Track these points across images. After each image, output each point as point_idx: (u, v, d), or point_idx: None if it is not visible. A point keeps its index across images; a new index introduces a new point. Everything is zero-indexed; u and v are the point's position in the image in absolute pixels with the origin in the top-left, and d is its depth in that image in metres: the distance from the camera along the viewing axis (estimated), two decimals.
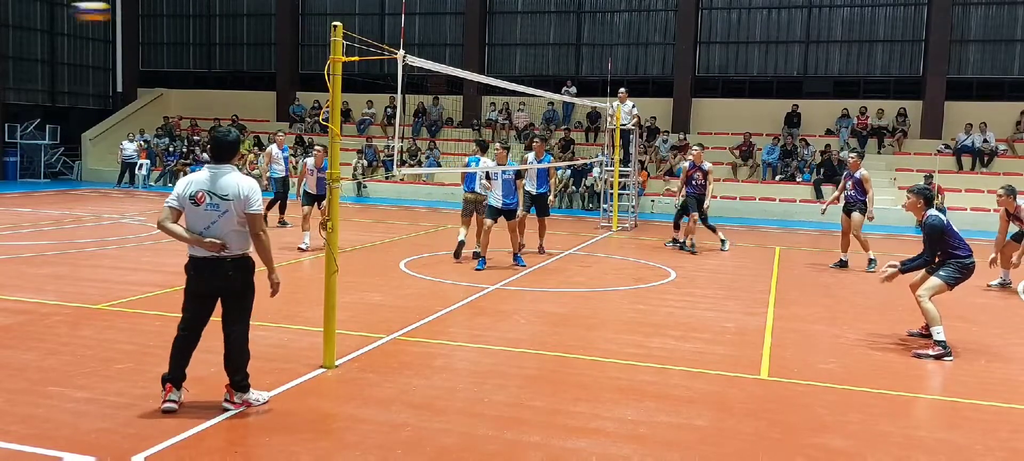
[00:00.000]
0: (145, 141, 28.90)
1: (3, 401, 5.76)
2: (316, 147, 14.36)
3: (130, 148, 27.47)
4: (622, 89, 19.67)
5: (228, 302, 5.61)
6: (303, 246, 13.46)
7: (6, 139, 28.79)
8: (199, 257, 5.51)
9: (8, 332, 7.70)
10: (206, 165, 5.64)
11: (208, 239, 5.41)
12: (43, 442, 5.03)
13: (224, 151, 5.60)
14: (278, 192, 16.69)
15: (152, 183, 27.74)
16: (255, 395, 5.70)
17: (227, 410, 5.54)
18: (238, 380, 5.60)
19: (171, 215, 5.54)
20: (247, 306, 5.66)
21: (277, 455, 5.01)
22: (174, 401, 5.55)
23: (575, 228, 19.00)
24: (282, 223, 16.39)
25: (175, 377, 5.58)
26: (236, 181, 5.49)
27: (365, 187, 26.43)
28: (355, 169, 26.26)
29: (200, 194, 5.48)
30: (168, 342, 5.70)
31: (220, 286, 5.54)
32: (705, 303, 10.31)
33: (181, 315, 5.67)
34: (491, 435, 5.45)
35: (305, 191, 14.23)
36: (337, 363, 6.81)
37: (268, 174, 16.88)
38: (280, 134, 18.07)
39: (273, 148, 17.03)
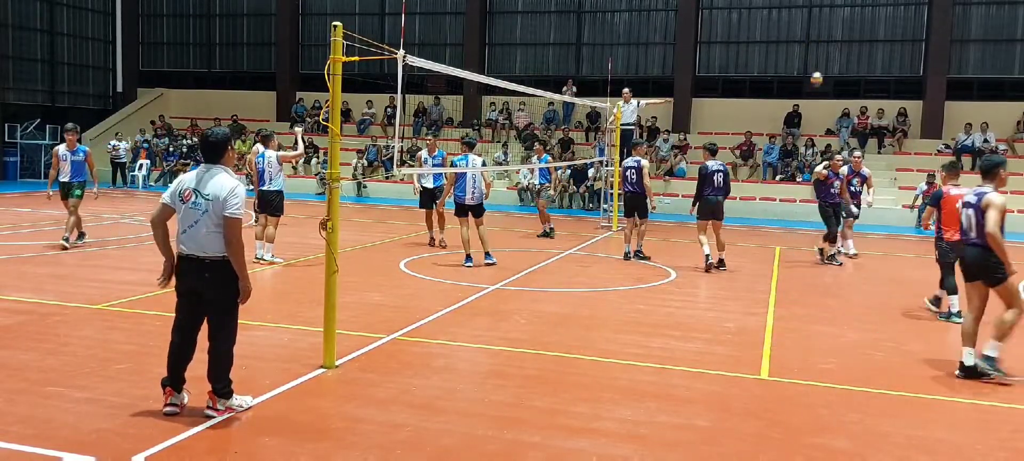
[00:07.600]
0: (146, 142, 28.89)
1: (3, 401, 5.75)
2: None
3: (122, 147, 27.48)
4: (626, 89, 20.17)
5: (210, 309, 5.54)
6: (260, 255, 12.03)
7: (6, 139, 28.79)
8: (182, 254, 5.53)
9: (8, 332, 7.69)
10: (201, 164, 5.64)
11: (165, 258, 5.57)
12: (43, 442, 5.03)
13: (211, 151, 5.58)
14: None
15: (152, 183, 27.73)
16: (238, 401, 5.65)
17: (210, 417, 5.47)
18: (220, 387, 5.56)
19: (163, 212, 5.60)
20: (229, 316, 5.54)
21: (277, 455, 5.01)
22: (175, 404, 5.54)
23: (575, 228, 18.98)
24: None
25: (174, 381, 5.57)
26: (221, 182, 5.46)
27: (365, 187, 26.43)
28: (355, 169, 26.26)
29: (187, 192, 5.50)
30: (168, 342, 5.68)
31: (198, 287, 5.47)
32: (705, 303, 10.30)
33: (174, 316, 5.67)
34: (491, 435, 5.45)
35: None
36: (337, 363, 6.81)
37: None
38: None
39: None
